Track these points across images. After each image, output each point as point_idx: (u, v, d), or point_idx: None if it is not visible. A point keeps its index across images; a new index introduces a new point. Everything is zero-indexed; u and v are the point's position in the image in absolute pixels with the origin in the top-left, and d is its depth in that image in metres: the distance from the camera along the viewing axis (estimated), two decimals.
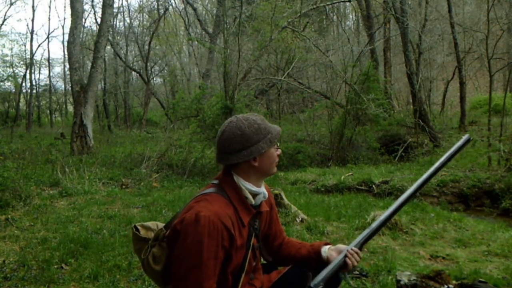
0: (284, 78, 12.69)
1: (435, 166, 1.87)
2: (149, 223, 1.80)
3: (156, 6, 23.64)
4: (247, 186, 1.69)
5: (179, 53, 27.94)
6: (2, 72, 25.87)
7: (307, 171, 9.27)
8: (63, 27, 44.32)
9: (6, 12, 55.15)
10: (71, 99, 21.55)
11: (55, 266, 3.47)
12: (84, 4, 16.01)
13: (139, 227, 1.78)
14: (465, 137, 1.94)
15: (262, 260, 1.99)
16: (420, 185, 1.87)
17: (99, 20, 16.73)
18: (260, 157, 1.69)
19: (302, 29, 14.21)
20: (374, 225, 1.84)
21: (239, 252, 1.65)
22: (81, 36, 17.88)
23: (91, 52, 17.74)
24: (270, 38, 11.58)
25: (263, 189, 1.75)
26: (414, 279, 2.85)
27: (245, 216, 1.68)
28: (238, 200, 1.68)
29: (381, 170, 8.70)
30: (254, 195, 1.72)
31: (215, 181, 1.74)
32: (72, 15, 12.19)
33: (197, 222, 1.54)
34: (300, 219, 4.77)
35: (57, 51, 75.19)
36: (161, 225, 1.78)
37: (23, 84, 25.08)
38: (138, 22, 27.72)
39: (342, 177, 8.03)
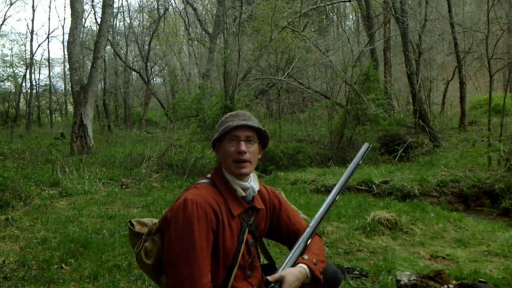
0: (284, 78, 12.69)
1: (347, 172, 2.00)
2: (145, 219, 1.84)
3: (156, 6, 23.67)
4: (231, 178, 1.74)
5: (179, 53, 27.94)
6: (2, 72, 25.89)
7: (307, 171, 9.27)
8: (63, 27, 44.37)
9: (6, 12, 55.20)
10: (71, 99, 21.52)
11: (55, 266, 3.47)
12: (84, 4, 16.01)
13: (134, 223, 1.82)
14: (365, 145, 2.10)
15: (264, 261, 1.99)
16: (337, 193, 1.93)
17: (99, 20, 16.74)
18: (219, 149, 1.78)
19: (302, 29, 14.21)
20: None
21: (228, 241, 1.67)
22: (81, 36, 17.87)
23: (91, 52, 17.74)
24: (270, 38, 11.57)
25: (251, 184, 1.77)
26: (414, 279, 2.85)
27: (235, 207, 1.71)
28: (227, 191, 1.73)
29: (381, 170, 8.70)
30: (244, 188, 1.75)
31: (208, 175, 1.82)
32: (72, 15, 12.19)
33: (185, 206, 1.61)
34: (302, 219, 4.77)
35: (57, 51, 75.14)
36: (156, 221, 1.81)
37: (23, 84, 25.08)
38: (138, 22, 27.76)
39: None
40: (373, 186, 7.58)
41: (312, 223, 1.84)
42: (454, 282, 2.95)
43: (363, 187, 7.67)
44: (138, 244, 1.75)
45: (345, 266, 3.47)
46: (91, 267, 3.41)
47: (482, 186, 7.21)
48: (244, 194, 1.75)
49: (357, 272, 3.34)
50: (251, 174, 1.80)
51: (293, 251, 1.75)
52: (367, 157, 10.60)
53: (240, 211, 1.73)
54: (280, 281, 1.61)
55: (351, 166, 1.99)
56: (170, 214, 1.65)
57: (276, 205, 1.92)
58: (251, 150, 1.73)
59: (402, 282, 2.85)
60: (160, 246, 1.69)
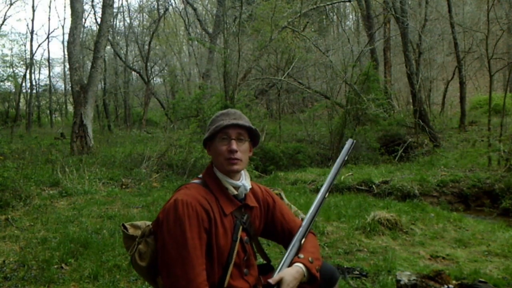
0: (284, 78, 12.69)
1: (333, 170, 1.96)
2: (138, 222, 1.85)
3: (156, 6, 23.65)
4: (222, 177, 1.76)
5: (179, 53, 27.93)
6: (2, 72, 25.88)
7: (307, 171, 9.27)
8: (63, 27, 44.35)
9: (6, 12, 55.19)
10: (71, 99, 21.53)
11: (55, 266, 3.47)
12: (84, 4, 16.00)
13: (127, 226, 1.83)
14: (349, 141, 2.08)
15: (262, 261, 1.99)
16: (326, 192, 1.91)
17: (99, 20, 16.73)
18: (211, 148, 1.79)
19: (302, 29, 14.21)
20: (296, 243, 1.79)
21: (222, 240, 1.68)
22: (81, 36, 17.86)
23: (91, 52, 17.73)
24: (270, 38, 11.58)
25: (243, 182, 1.78)
26: (414, 279, 2.85)
27: (227, 206, 1.73)
28: (218, 190, 1.74)
29: (381, 170, 8.70)
30: (236, 187, 1.76)
31: (200, 175, 1.83)
32: (72, 15, 12.18)
33: (176, 206, 1.62)
34: (300, 219, 4.76)
35: (57, 51, 75.09)
36: (149, 223, 1.82)
37: (23, 84, 25.06)
38: (138, 22, 27.74)
39: (342, 177, 8.03)
40: (373, 186, 7.58)
41: (304, 222, 1.85)
42: (454, 282, 2.95)
43: (363, 187, 7.67)
44: (132, 247, 1.76)
45: (345, 266, 3.47)
46: (91, 267, 3.41)
47: (482, 186, 7.21)
48: (235, 192, 1.76)
49: (357, 272, 3.34)
50: (243, 173, 1.81)
51: (288, 251, 1.76)
52: (367, 157, 10.61)
53: (232, 209, 1.74)
54: (278, 282, 1.62)
55: (337, 163, 1.98)
56: (161, 215, 1.66)
57: (270, 203, 1.93)
58: (242, 149, 1.75)
59: (402, 282, 2.85)
60: (154, 248, 1.70)
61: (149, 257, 1.71)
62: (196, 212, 1.62)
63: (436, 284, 2.83)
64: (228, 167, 1.73)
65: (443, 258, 3.86)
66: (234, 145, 1.72)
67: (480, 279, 3.04)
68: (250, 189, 1.83)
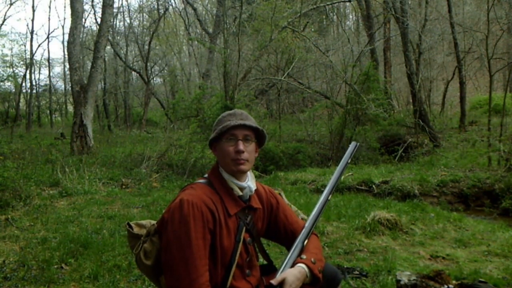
0: (284, 78, 12.69)
1: (336, 172, 1.99)
2: (143, 221, 1.85)
3: (156, 6, 23.65)
4: (228, 177, 1.76)
5: (179, 53, 27.94)
6: (2, 72, 25.90)
7: (307, 171, 9.27)
8: (63, 27, 44.45)
9: (6, 12, 55.23)
10: (71, 99, 21.53)
11: (55, 266, 3.47)
12: (84, 4, 16.00)
13: (132, 225, 1.83)
14: (352, 144, 2.08)
15: (262, 261, 1.99)
16: (329, 193, 1.94)
17: (99, 20, 16.73)
18: (217, 148, 1.79)
19: (302, 29, 14.22)
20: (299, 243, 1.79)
21: (225, 240, 1.68)
22: (81, 36, 17.87)
23: (91, 52, 17.74)
24: (270, 38, 11.58)
25: (248, 183, 1.78)
26: (414, 279, 2.85)
27: (232, 206, 1.73)
28: (224, 190, 1.74)
29: (381, 170, 8.70)
30: (241, 188, 1.77)
31: (206, 175, 1.83)
32: (72, 15, 12.19)
33: (181, 206, 1.62)
34: (300, 219, 4.77)
35: (57, 51, 75.13)
36: (154, 222, 1.82)
37: (23, 84, 25.09)
38: (138, 22, 27.75)
39: (342, 177, 8.02)
40: (373, 186, 7.58)
41: (307, 223, 1.85)
42: (454, 282, 2.95)
43: (363, 187, 7.67)
44: (137, 246, 1.76)
45: (345, 266, 3.47)
46: (91, 267, 3.41)
47: (482, 186, 7.21)
48: (241, 193, 1.77)
49: (357, 272, 3.34)
50: (248, 174, 1.82)
51: (290, 252, 1.76)
52: (367, 157, 10.61)
53: (237, 210, 1.74)
54: (281, 283, 1.62)
55: (340, 166, 2.00)
56: (166, 215, 1.66)
57: (274, 204, 1.93)
58: (248, 149, 1.75)
59: (402, 282, 2.85)
60: (159, 247, 1.70)
61: (154, 256, 1.71)
62: (201, 212, 1.62)
63: (436, 284, 2.83)
64: (235, 167, 1.73)
65: (443, 258, 3.85)
66: (241, 146, 1.73)
67: (480, 279, 3.04)
68: (255, 190, 1.83)
